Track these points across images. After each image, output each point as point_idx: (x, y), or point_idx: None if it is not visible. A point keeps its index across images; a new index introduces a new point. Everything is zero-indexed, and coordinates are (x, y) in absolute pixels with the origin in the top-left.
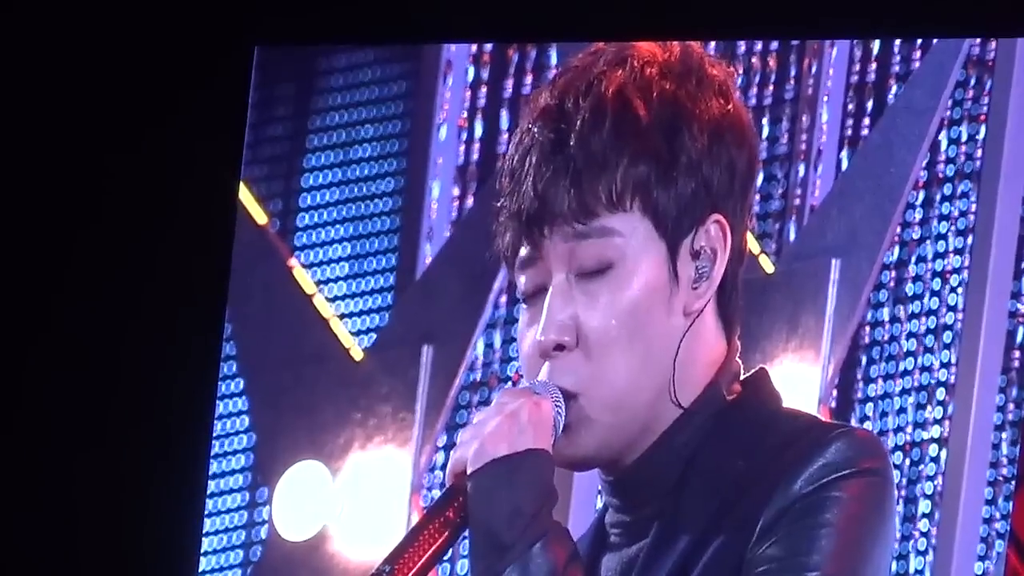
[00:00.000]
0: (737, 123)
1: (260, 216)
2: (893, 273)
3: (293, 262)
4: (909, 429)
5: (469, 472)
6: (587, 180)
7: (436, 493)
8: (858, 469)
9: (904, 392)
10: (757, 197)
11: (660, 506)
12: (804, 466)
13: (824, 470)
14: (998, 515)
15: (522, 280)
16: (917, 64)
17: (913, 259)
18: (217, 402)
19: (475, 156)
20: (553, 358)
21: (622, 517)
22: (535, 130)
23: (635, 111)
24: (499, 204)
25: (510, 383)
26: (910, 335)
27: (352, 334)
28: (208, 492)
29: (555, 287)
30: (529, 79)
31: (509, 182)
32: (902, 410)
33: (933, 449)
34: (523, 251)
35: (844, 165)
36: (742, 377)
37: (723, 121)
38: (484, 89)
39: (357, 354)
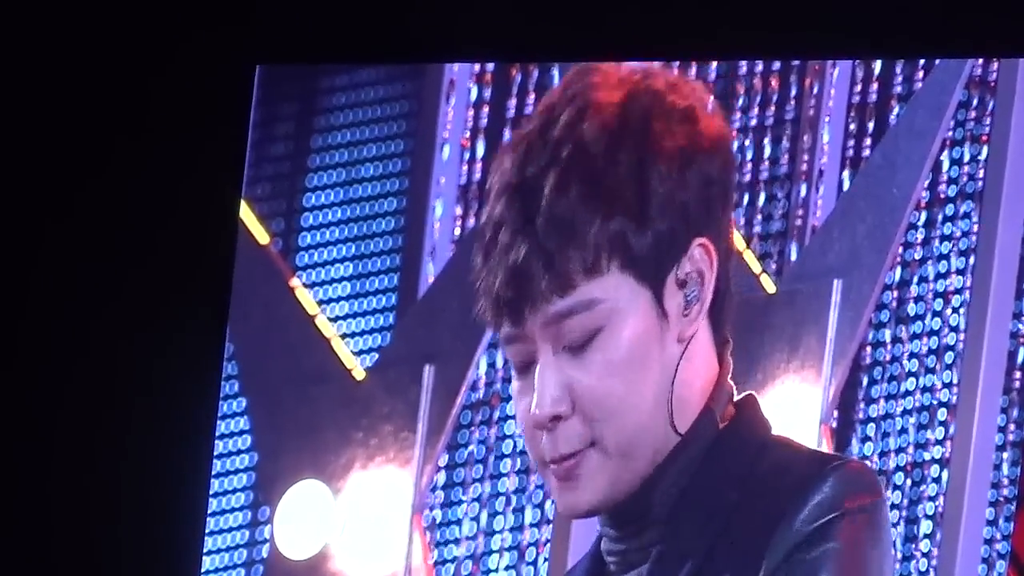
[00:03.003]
0: (705, 140)
1: (262, 235)
2: (895, 293)
3: (295, 282)
4: (910, 450)
5: None
6: (560, 254)
7: (437, 513)
8: (853, 508)
9: (905, 412)
10: (759, 216)
11: (655, 536)
12: (800, 504)
13: (819, 510)
14: (999, 535)
15: (508, 352)
16: (919, 84)
17: (915, 279)
18: (218, 421)
19: (477, 175)
20: (552, 429)
21: (618, 546)
22: (502, 205)
23: (599, 166)
24: (477, 279)
25: (513, 402)
26: (912, 355)
27: (354, 354)
28: (209, 511)
29: (543, 361)
30: (532, 98)
31: (483, 261)
32: (903, 430)
33: (934, 470)
34: (505, 328)
35: (846, 185)
36: (735, 398)
37: (690, 146)
38: (487, 108)
39: (359, 374)
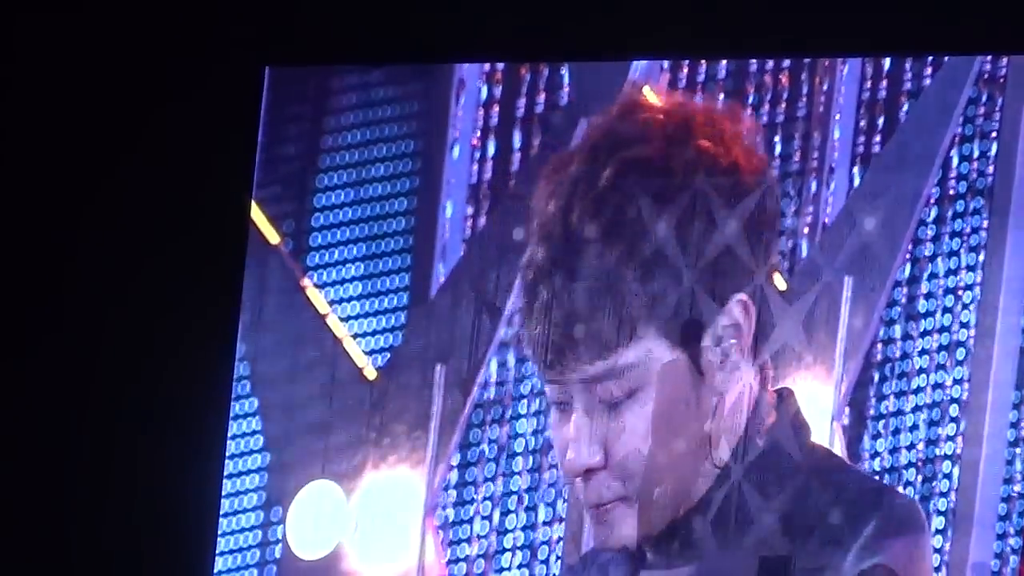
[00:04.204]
0: (749, 180)
1: (273, 236)
2: (905, 290)
3: (306, 281)
4: (922, 446)
5: None
6: (598, 320)
7: (450, 512)
8: (898, 550)
9: (917, 409)
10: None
11: (691, 557)
12: (847, 544)
13: (867, 554)
14: (1012, 531)
15: (547, 389)
16: (928, 81)
17: (925, 276)
18: (230, 422)
19: (488, 175)
20: (586, 479)
21: (658, 558)
22: (544, 256)
23: (641, 227)
24: (523, 317)
25: (524, 401)
26: (923, 352)
27: (365, 353)
28: (222, 511)
29: (579, 411)
30: (542, 98)
31: (525, 302)
32: (915, 427)
33: (946, 466)
34: (546, 374)
35: (856, 182)
36: (774, 389)
37: (732, 194)
38: (496, 108)
39: (371, 373)
